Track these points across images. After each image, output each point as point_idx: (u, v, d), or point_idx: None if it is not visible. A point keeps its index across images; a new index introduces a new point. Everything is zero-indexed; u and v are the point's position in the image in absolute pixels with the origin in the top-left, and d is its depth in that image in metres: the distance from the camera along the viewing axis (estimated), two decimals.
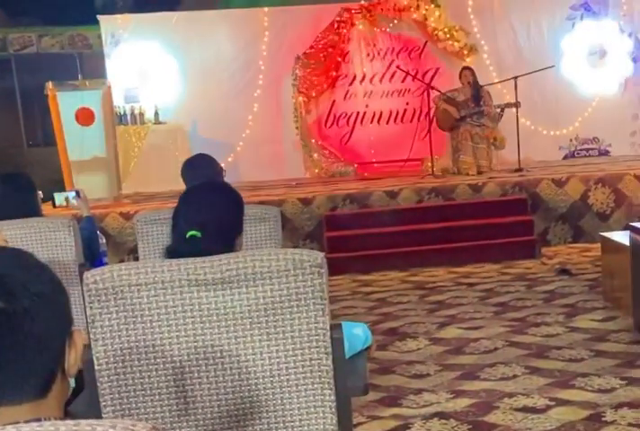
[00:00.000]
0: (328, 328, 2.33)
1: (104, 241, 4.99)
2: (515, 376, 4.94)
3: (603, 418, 4.19)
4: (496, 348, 5.54)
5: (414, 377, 5.08)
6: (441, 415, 4.40)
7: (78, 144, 9.24)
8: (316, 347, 2.33)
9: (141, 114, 11.13)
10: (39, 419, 1.31)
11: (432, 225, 8.89)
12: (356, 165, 11.59)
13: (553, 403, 4.45)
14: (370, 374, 4.94)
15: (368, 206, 9.22)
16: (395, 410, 4.53)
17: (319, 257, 2.33)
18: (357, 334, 2.94)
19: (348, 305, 7.07)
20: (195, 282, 2.26)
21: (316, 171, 11.53)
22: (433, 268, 8.33)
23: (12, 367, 1.34)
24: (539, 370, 5.02)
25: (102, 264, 4.42)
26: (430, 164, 10.47)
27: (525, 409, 4.39)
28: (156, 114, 11.20)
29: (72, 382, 1.67)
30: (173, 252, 2.48)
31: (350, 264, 8.43)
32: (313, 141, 11.57)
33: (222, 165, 4.90)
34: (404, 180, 10.11)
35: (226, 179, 4.60)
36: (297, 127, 11.48)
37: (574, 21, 12.01)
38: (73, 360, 1.44)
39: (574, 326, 5.95)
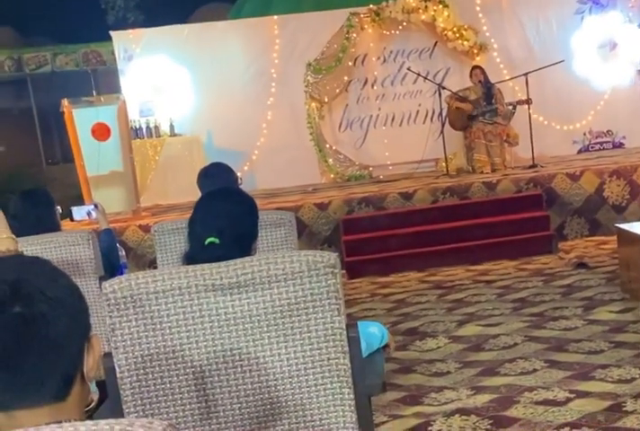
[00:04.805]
0: (344, 327, 2.35)
1: (124, 253, 5.06)
2: (535, 370, 4.97)
3: (624, 408, 4.22)
4: (515, 344, 5.57)
5: (435, 375, 5.12)
6: (462, 411, 4.43)
7: (95, 159, 9.31)
8: (333, 346, 2.35)
9: (156, 127, 11.20)
10: (59, 422, 1.34)
11: (448, 225, 8.92)
12: (371, 168, 11.65)
13: (573, 395, 4.47)
14: (391, 374, 5.01)
15: (384, 209, 9.26)
16: (417, 408, 4.57)
17: (332, 257, 2.35)
18: (373, 333, 2.95)
19: (367, 307, 7.12)
20: (212, 287, 2.29)
21: (332, 175, 11.58)
22: (451, 267, 8.37)
23: (30, 371, 1.37)
24: (559, 363, 5.05)
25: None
26: (444, 164, 10.52)
27: (545, 403, 4.42)
28: (172, 126, 11.27)
29: (93, 387, 1.73)
30: (191, 259, 2.52)
31: (368, 267, 8.48)
32: (327, 146, 11.62)
33: (238, 174, 4.96)
34: (419, 180, 10.16)
35: (243, 187, 4.65)
36: (311, 134, 11.52)
37: (583, 15, 12.00)
38: (91, 364, 1.47)
39: (593, 318, 5.97)
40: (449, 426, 4.26)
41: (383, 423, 4.36)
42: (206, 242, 2.59)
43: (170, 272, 2.33)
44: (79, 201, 8.78)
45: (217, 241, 2.58)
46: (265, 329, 2.35)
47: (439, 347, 5.71)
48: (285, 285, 2.32)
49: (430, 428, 4.26)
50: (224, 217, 2.68)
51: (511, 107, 10.38)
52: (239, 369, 2.36)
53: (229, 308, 2.33)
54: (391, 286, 7.91)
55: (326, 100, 11.67)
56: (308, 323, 2.35)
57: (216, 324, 2.33)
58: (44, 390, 1.39)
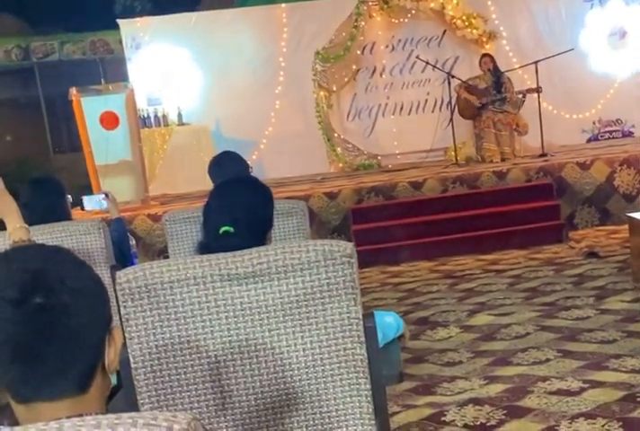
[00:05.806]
0: (361, 317, 2.33)
1: (134, 242, 5.04)
2: (548, 360, 4.95)
3: (638, 399, 4.18)
4: (528, 333, 5.55)
5: (447, 365, 5.10)
6: (476, 401, 4.41)
7: (104, 148, 9.29)
8: (350, 336, 2.33)
9: (164, 116, 11.19)
10: (80, 415, 1.31)
11: (458, 214, 8.89)
12: (380, 157, 11.61)
13: (587, 385, 4.45)
14: (403, 364, 4.98)
15: (394, 198, 9.24)
16: (430, 398, 4.55)
17: (349, 247, 2.33)
18: (389, 322, 2.93)
19: (378, 297, 7.10)
20: (227, 277, 2.27)
21: (340, 165, 11.56)
22: (461, 256, 8.36)
23: (51, 362, 1.35)
24: (572, 353, 5.02)
25: (133, 265, 4.46)
26: (453, 153, 10.47)
27: (559, 393, 4.40)
28: (179, 115, 11.27)
29: (114, 380, 1.70)
30: (206, 248, 2.47)
31: (378, 256, 8.46)
32: (336, 135, 11.59)
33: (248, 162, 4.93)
34: (429, 170, 10.13)
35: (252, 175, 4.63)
36: (319, 122, 11.49)
37: (592, 3, 11.94)
38: (112, 356, 1.45)
39: (605, 308, 5.95)
40: (463, 416, 4.23)
41: (396, 413, 4.34)
42: (221, 231, 2.55)
43: (185, 262, 2.30)
44: (88, 191, 8.77)
45: (232, 230, 2.54)
46: (281, 319, 2.33)
47: (450, 337, 5.70)
48: (301, 274, 2.30)
49: (443, 418, 4.24)
50: (239, 206, 2.63)
51: (520, 95, 10.34)
52: (255, 359, 2.34)
53: (245, 298, 2.31)
54: (401, 276, 7.89)
55: (335, 88, 11.64)
56: (325, 313, 2.33)
57: (231, 314, 2.31)
58: (65, 382, 1.37)
